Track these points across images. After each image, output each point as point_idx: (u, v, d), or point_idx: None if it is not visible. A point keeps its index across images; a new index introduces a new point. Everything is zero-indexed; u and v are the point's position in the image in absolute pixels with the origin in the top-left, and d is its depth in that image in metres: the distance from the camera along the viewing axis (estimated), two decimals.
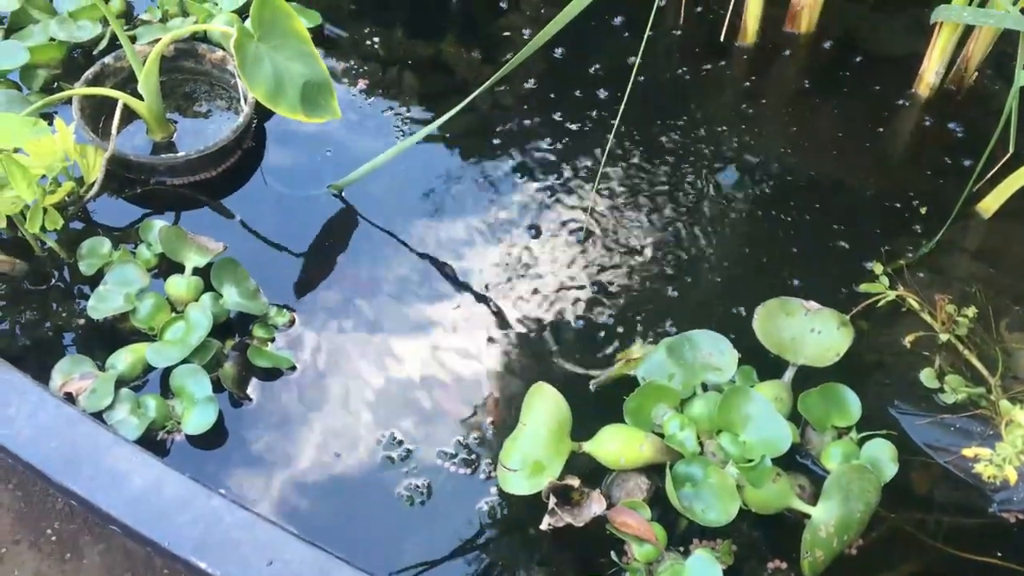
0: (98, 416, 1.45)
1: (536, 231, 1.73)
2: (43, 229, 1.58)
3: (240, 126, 1.76)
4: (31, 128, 1.45)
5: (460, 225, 1.74)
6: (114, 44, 1.92)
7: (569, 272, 1.68)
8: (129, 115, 1.81)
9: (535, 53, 1.53)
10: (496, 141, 1.85)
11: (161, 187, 1.76)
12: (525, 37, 2.00)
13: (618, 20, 2.04)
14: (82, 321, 1.58)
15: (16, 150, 1.55)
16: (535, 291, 1.66)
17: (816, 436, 1.46)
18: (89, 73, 1.80)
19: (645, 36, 1.58)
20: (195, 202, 1.75)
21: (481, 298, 1.65)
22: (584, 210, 1.75)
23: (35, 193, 1.47)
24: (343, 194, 1.76)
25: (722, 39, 2.01)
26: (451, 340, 1.60)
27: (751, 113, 1.92)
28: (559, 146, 1.85)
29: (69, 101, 1.76)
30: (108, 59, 1.83)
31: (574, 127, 1.87)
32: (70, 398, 1.46)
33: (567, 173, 1.81)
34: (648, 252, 1.71)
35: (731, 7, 1.96)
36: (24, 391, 1.41)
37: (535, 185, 1.79)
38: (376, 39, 2.01)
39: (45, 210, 1.54)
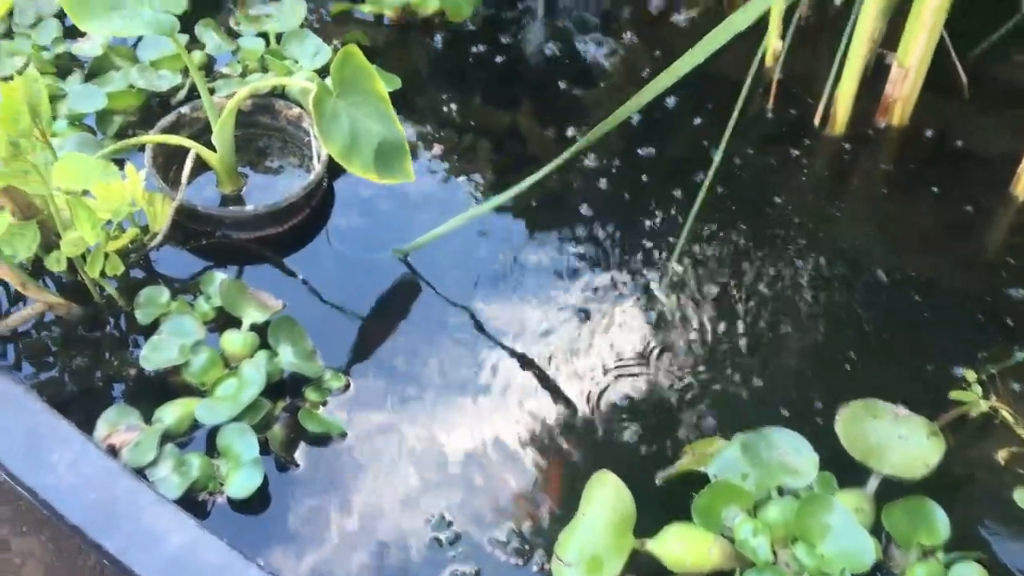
0: (140, 471, 1.38)
1: (603, 313, 1.65)
2: (103, 274, 1.55)
3: (310, 184, 1.73)
4: (101, 170, 1.42)
5: (523, 300, 1.67)
6: (192, 95, 1.91)
7: (637, 356, 1.60)
8: (200, 166, 1.79)
9: (613, 132, 1.48)
10: (567, 218, 1.79)
11: (226, 240, 1.72)
12: (606, 113, 1.95)
13: (702, 104, 1.99)
14: (133, 371, 1.53)
15: (84, 193, 1.53)
16: (600, 373, 1.58)
17: (900, 553, 1.35)
18: (165, 121, 1.79)
19: (731, 123, 1.51)
20: (259, 257, 1.71)
21: (542, 377, 1.57)
22: (656, 295, 1.68)
23: (98, 236, 1.43)
24: (408, 259, 1.71)
25: (811, 128, 1.95)
26: (508, 419, 1.52)
27: (839, 205, 1.85)
28: (632, 228, 1.78)
29: (142, 148, 1.74)
30: (185, 109, 1.81)
31: (649, 210, 1.81)
32: (113, 450, 1.40)
33: (639, 256, 1.74)
34: (723, 341, 1.62)
35: (824, 95, 1.90)
36: (68, 439, 1.36)
37: (603, 266, 1.72)
38: (454, 106, 1.98)
39: (107, 255, 1.50)
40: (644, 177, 1.86)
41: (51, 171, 1.42)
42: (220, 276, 1.61)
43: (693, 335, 1.63)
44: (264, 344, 1.54)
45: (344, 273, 1.71)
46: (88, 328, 1.58)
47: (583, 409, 1.53)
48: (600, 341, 1.61)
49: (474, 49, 2.09)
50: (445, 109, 1.97)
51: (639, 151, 1.90)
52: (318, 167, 1.76)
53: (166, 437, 1.43)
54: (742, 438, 1.41)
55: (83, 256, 1.51)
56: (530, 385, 1.56)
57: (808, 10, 2.13)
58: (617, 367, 1.58)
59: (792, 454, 1.39)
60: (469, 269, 1.71)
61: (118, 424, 1.43)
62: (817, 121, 1.94)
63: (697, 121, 1.96)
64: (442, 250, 1.72)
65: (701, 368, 1.58)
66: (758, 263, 1.73)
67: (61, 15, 2.02)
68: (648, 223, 1.78)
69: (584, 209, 1.81)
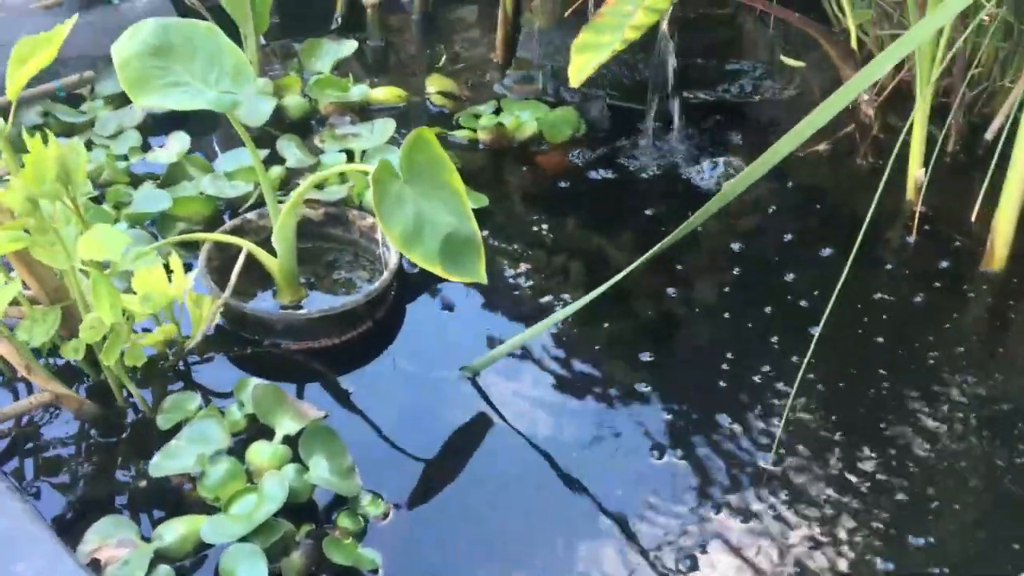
0: None
1: (704, 475, 1.36)
2: (129, 373, 1.36)
3: (374, 292, 1.53)
4: (123, 242, 1.25)
5: (612, 454, 1.40)
6: (260, 203, 1.77)
7: (748, 535, 1.29)
8: (261, 278, 1.62)
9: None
10: (659, 359, 1.53)
11: (275, 350, 1.52)
12: (713, 245, 1.72)
13: (831, 238, 1.74)
14: (144, 483, 1.31)
15: (128, 290, 1.37)
16: (682, 533, 1.27)
17: None
18: (228, 225, 1.65)
19: (853, 251, 1.25)
20: (309, 372, 1.50)
21: (622, 531, 1.28)
22: (765, 457, 1.38)
23: (116, 316, 1.24)
24: (478, 383, 1.47)
25: (963, 263, 1.67)
26: None
27: (999, 352, 1.53)
28: (736, 371, 1.50)
29: (198, 249, 1.60)
30: (251, 215, 1.67)
31: (759, 350, 1.53)
32: (96, 566, 1.16)
33: (747, 416, 1.45)
34: (862, 515, 1.30)
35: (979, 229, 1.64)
36: (41, 547, 1.12)
37: (696, 413, 1.44)
38: (544, 227, 1.78)
39: (129, 344, 1.32)
40: (753, 313, 1.60)
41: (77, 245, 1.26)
42: (255, 381, 1.40)
43: (817, 511, 1.31)
44: (297, 459, 1.30)
45: (404, 393, 1.47)
46: (103, 431, 1.37)
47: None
48: (707, 530, 1.32)
49: (571, 170, 1.92)
50: (535, 230, 1.77)
51: (751, 282, 1.65)
52: (385, 275, 1.56)
53: (164, 557, 1.18)
54: None
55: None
56: (607, 540, 1.26)
57: (955, 144, 1.89)
58: (717, 545, 1.28)
59: None
60: (542, 401, 1.45)
61: (110, 537, 1.20)
62: (970, 256, 1.67)
63: (825, 252, 1.70)
64: (516, 374, 1.48)
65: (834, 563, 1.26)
66: (897, 423, 1.42)
67: (144, 127, 1.95)
68: (752, 368, 1.51)
69: (681, 347, 1.55)
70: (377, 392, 1.47)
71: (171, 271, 1.42)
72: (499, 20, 2.21)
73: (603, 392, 1.46)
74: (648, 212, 1.81)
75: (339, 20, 2.40)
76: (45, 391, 1.30)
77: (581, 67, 1.65)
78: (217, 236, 1.57)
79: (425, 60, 2.31)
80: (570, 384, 1.48)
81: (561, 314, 1.41)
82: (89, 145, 1.90)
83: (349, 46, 2.16)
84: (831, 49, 1.76)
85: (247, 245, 1.53)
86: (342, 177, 1.81)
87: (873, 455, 1.35)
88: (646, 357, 1.51)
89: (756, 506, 1.29)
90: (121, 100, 2.01)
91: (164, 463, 1.28)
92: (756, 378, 1.47)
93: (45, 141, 1.21)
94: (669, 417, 1.41)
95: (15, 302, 1.39)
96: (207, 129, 2.01)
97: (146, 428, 1.38)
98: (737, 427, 1.40)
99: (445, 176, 1.41)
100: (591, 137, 1.99)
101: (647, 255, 1.33)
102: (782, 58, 1.86)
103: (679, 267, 1.67)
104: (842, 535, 1.25)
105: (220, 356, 1.52)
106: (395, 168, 1.36)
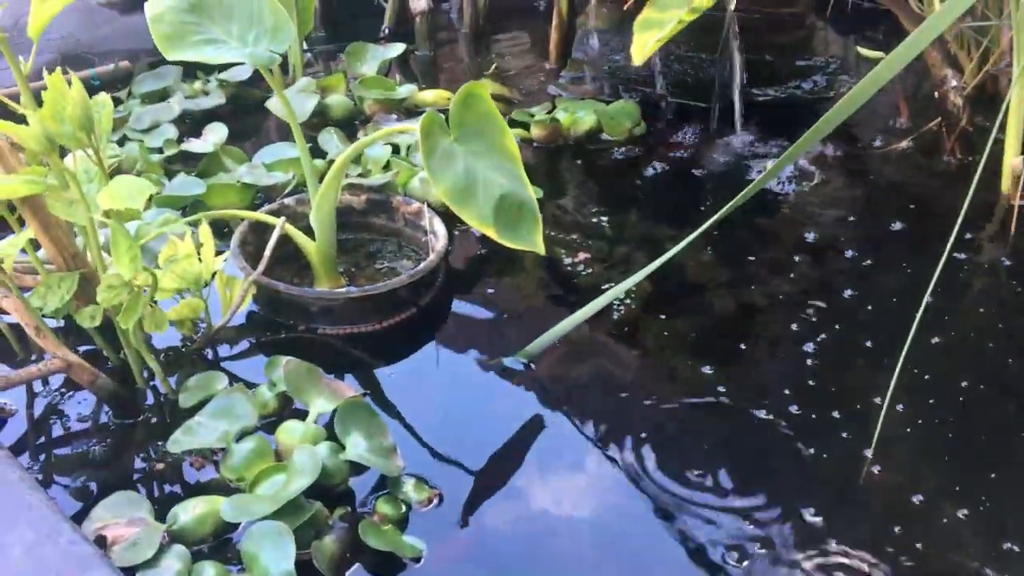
0: (129, 573, 0.99)
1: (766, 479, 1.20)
2: (148, 349, 1.24)
3: (420, 271, 1.40)
4: (148, 189, 1.13)
5: (658, 439, 1.24)
6: (299, 189, 1.66)
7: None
8: (298, 269, 1.50)
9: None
10: (729, 357, 1.38)
11: (311, 336, 1.39)
12: (783, 246, 1.58)
13: (923, 243, 1.59)
14: (161, 466, 1.17)
15: (157, 269, 1.25)
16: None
17: None
18: (265, 209, 1.53)
19: (947, 248, 1.10)
20: (348, 358, 1.36)
21: (680, 534, 1.11)
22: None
23: (136, 270, 1.12)
24: (535, 371, 1.32)
25: None
26: None
27: None
28: (820, 375, 1.35)
29: (231, 237, 1.48)
30: (290, 200, 1.56)
31: (843, 360, 1.38)
32: (102, 543, 1.01)
33: (821, 464, 1.29)
34: None
35: None
36: (38, 518, 0.98)
37: (766, 416, 1.29)
38: (605, 219, 1.64)
39: (151, 306, 1.19)
40: (851, 315, 1.44)
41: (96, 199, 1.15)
42: (287, 358, 1.26)
43: None
44: (333, 440, 1.16)
45: (450, 381, 1.33)
46: (120, 411, 1.24)
47: None
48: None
49: (632, 165, 1.79)
50: (593, 221, 1.64)
51: (845, 293, 1.50)
52: (432, 256, 1.43)
53: (180, 539, 1.04)
54: None
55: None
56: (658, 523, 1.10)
57: None
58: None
59: None
60: (600, 387, 1.31)
61: (120, 515, 1.05)
62: None
63: (915, 250, 1.55)
64: (574, 367, 1.34)
65: None
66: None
67: (180, 120, 1.85)
68: (828, 393, 1.35)
69: (762, 343, 1.40)
70: (422, 379, 1.33)
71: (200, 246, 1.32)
72: (553, 23, 2.12)
73: (664, 388, 1.31)
74: (709, 207, 1.67)
75: (386, 32, 2.32)
76: (55, 358, 1.17)
77: (644, 43, 1.54)
78: (252, 214, 1.45)
79: (474, 68, 2.21)
80: (629, 377, 1.33)
81: (615, 291, 1.27)
82: (123, 141, 1.81)
83: (396, 48, 2.08)
84: (911, 25, 1.63)
85: (283, 226, 1.41)
86: (387, 166, 1.70)
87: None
88: (713, 354, 1.36)
89: None
90: (158, 97, 1.93)
91: (184, 438, 1.14)
92: (841, 387, 1.31)
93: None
94: (733, 421, 1.25)
95: (31, 270, 1.28)
96: (246, 128, 1.91)
97: (167, 410, 1.25)
98: (823, 453, 1.24)
99: (498, 136, 1.29)
100: (651, 134, 1.86)
101: (696, 232, 1.20)
102: (859, 49, 1.74)
103: (754, 262, 1.52)
104: None
105: (251, 342, 1.39)
106: (444, 123, 1.24)
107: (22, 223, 1.21)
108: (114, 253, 1.12)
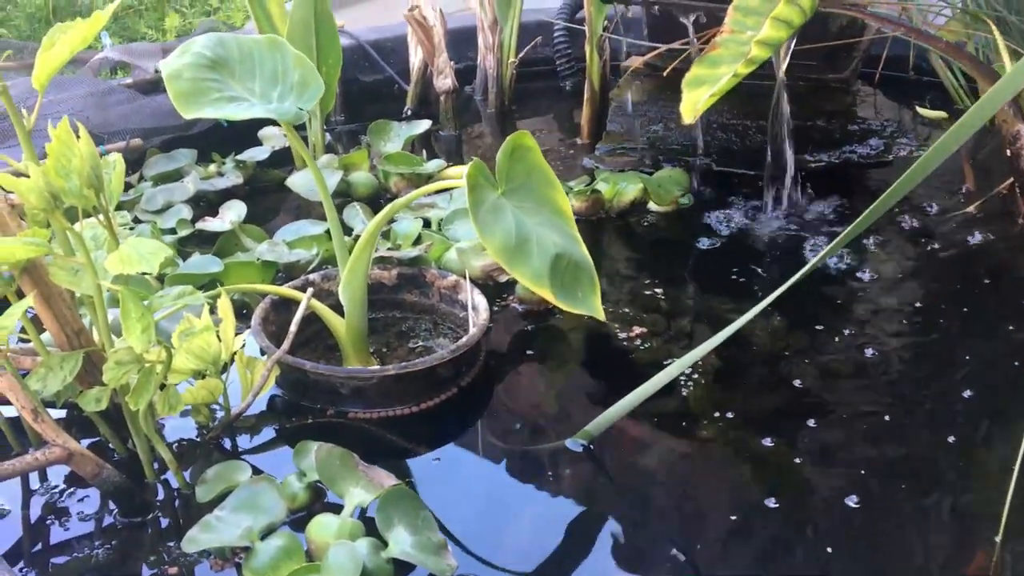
0: None
1: None
2: (160, 437, 1.09)
3: (462, 347, 1.26)
4: (162, 252, 1.00)
5: (734, 529, 1.08)
6: (323, 266, 1.54)
7: None
8: (324, 350, 1.37)
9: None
10: (800, 434, 1.22)
11: (341, 420, 1.24)
12: (856, 305, 1.44)
13: None
14: (175, 570, 1.01)
15: (171, 344, 1.11)
16: None
17: None
18: (288, 285, 1.40)
19: None
20: (384, 443, 1.21)
21: None
22: None
23: (149, 343, 0.98)
24: (594, 452, 1.17)
25: None
26: None
27: None
28: (897, 463, 1.20)
29: (251, 317, 1.35)
30: (315, 276, 1.42)
31: (920, 440, 1.23)
32: None
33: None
34: None
35: None
36: None
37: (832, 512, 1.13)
38: (659, 291, 1.51)
39: (162, 387, 1.05)
40: (927, 395, 1.30)
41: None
42: (318, 444, 1.11)
43: None
44: (372, 535, 1.00)
45: (499, 468, 1.18)
46: (127, 508, 1.08)
47: None
48: None
49: (681, 236, 1.67)
50: (647, 294, 1.50)
51: (913, 360, 1.36)
52: (474, 330, 1.30)
53: None
54: None
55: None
56: None
57: None
58: None
59: None
60: (672, 483, 1.15)
61: None
62: None
63: (992, 322, 1.41)
64: (645, 452, 1.19)
65: None
66: None
67: (194, 201, 1.74)
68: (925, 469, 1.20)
69: (834, 424, 1.25)
70: (467, 466, 1.18)
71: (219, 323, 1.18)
72: (585, 96, 2.03)
73: (740, 473, 1.15)
74: (766, 277, 1.54)
75: (408, 112, 2.23)
76: (55, 446, 1.02)
77: (695, 101, 1.43)
78: (275, 288, 1.32)
79: (500, 146, 2.11)
80: (700, 463, 1.18)
81: (681, 363, 1.13)
82: (135, 223, 1.69)
83: (422, 125, 1.98)
84: (983, 79, 1.52)
85: (308, 301, 1.28)
86: (417, 240, 1.57)
87: None
88: (790, 433, 1.21)
89: None
90: (171, 179, 1.82)
91: (201, 536, 0.99)
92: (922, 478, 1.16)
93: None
94: (821, 509, 1.10)
95: (30, 351, 1.15)
96: (265, 208, 1.80)
97: (181, 507, 1.10)
98: (937, 542, 1.08)
99: (548, 191, 1.17)
100: (699, 203, 1.74)
101: (763, 303, 1.06)
102: (918, 109, 1.63)
103: (822, 332, 1.38)
104: None
105: (274, 430, 1.24)
106: (491, 175, 1.13)
107: (20, 296, 1.08)
108: (124, 324, 0.99)
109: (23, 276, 1.05)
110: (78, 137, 1.00)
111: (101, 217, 1.03)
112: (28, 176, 0.98)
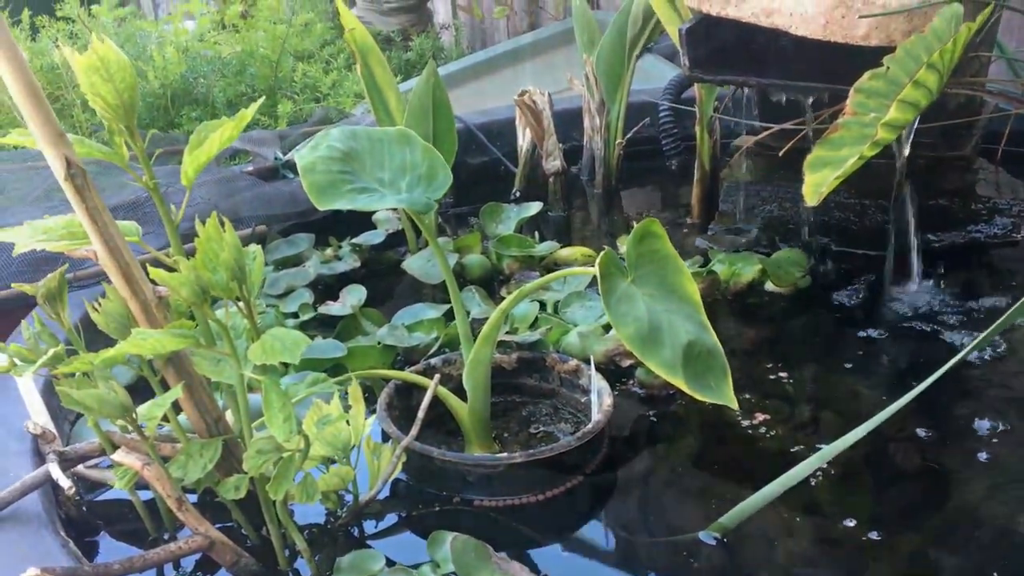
0: None
1: None
2: (294, 524, 1.10)
3: (589, 432, 1.25)
4: (303, 343, 1.03)
5: None
6: (443, 350, 1.55)
7: None
8: (446, 435, 1.37)
9: None
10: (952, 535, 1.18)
11: (467, 508, 1.24)
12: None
13: None
14: None
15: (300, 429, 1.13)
16: None
17: None
18: (410, 370, 1.42)
19: None
20: (511, 533, 1.20)
21: None
22: None
23: (291, 432, 1.00)
24: (727, 540, 1.15)
25: None
26: None
27: None
28: None
29: (374, 404, 1.36)
30: (435, 360, 1.44)
31: None
32: None
33: None
34: None
35: None
36: None
37: None
38: (783, 374, 1.48)
39: (305, 479, 1.06)
40: None
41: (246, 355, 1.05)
42: (453, 534, 1.11)
43: None
44: None
45: (630, 557, 1.16)
46: None
47: None
48: None
49: (802, 319, 1.65)
50: (771, 378, 1.48)
51: None
52: (599, 416, 1.29)
53: None
54: None
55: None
56: None
57: None
58: None
59: None
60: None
61: None
62: None
63: None
64: (782, 547, 1.15)
65: None
66: None
67: (313, 285, 1.78)
68: None
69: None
70: (598, 557, 1.16)
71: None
72: (695, 176, 2.02)
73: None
74: (895, 364, 1.50)
75: (516, 195, 2.25)
76: (197, 535, 1.04)
77: (819, 183, 1.42)
78: (401, 374, 1.34)
79: (612, 226, 2.12)
80: (843, 565, 1.14)
81: (822, 455, 1.10)
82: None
83: (533, 207, 2.00)
84: None
85: (436, 383, 1.29)
86: (534, 324, 1.58)
87: None
88: (918, 530, 1.16)
89: None
90: (291, 263, 1.87)
91: None
92: None
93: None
94: None
95: (169, 438, 1.17)
96: (381, 291, 1.83)
97: None
98: None
99: (678, 279, 1.17)
100: (818, 284, 1.71)
101: (906, 398, 1.03)
102: None
103: (961, 417, 1.34)
104: None
105: (399, 516, 1.24)
106: (620, 264, 1.13)
107: (164, 386, 1.11)
108: (267, 413, 1.01)
109: (167, 365, 1.09)
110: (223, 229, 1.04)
111: (242, 305, 1.06)
112: (175, 269, 1.02)
